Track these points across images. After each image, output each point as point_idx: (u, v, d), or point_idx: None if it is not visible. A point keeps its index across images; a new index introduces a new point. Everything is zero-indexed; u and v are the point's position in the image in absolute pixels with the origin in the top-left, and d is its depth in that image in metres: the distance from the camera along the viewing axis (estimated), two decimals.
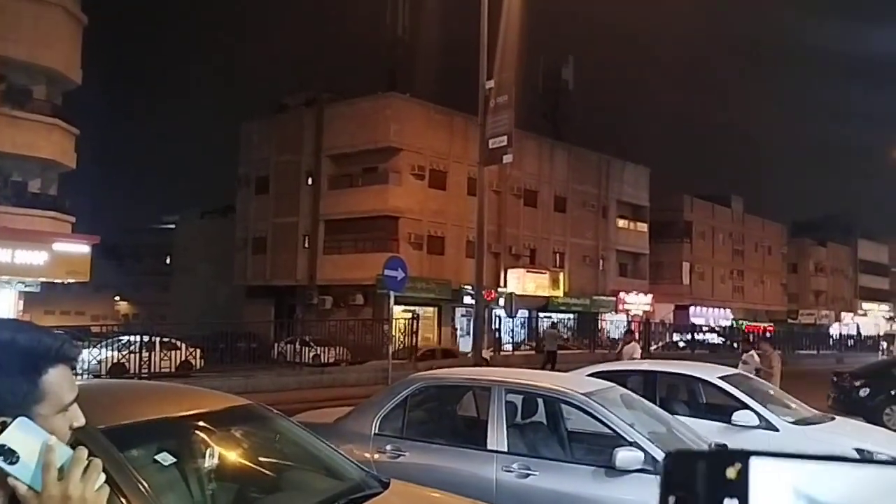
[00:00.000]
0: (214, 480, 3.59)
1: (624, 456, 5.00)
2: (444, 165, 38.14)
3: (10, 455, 1.12)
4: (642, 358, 22.16)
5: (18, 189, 24.54)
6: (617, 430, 5.30)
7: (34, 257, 22.71)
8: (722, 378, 7.83)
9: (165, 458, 3.39)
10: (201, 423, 3.63)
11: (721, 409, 7.52)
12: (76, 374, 1.30)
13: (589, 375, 7.93)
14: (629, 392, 6.53)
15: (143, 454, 3.35)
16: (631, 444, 5.13)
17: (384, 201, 36.08)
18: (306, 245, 38.99)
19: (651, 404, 6.60)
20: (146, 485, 3.04)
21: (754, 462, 0.55)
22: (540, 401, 6.22)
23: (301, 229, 39.50)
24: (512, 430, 5.66)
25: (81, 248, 24.20)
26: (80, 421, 1.26)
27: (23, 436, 1.13)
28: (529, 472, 5.30)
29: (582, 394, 5.64)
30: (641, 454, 5.03)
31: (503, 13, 20.96)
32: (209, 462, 3.57)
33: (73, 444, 1.20)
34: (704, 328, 51.53)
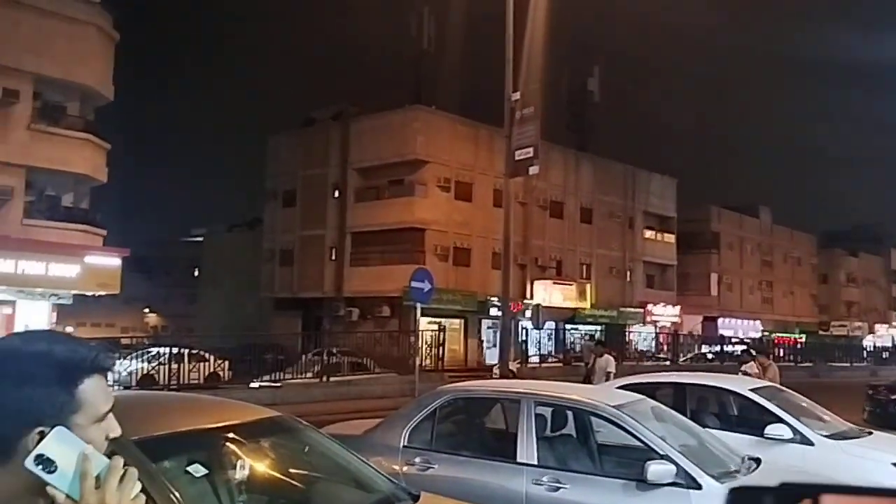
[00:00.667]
0: (245, 492, 3.60)
1: (655, 469, 4.94)
2: (470, 177, 38.18)
3: (48, 464, 1.13)
4: (670, 370, 21.90)
5: (52, 203, 24.96)
6: (648, 443, 5.24)
7: (67, 270, 23.08)
8: (754, 390, 7.69)
9: (197, 470, 3.41)
10: (232, 435, 3.64)
11: (753, 421, 7.37)
12: (108, 386, 1.31)
13: (618, 388, 7.86)
14: (659, 404, 6.46)
15: (175, 465, 3.37)
16: (662, 457, 5.07)
17: (410, 213, 36.16)
18: (333, 257, 39.18)
19: (682, 417, 6.52)
20: (178, 496, 3.05)
21: (826, 499, 0.50)
22: (569, 413, 6.17)
23: (328, 242, 39.71)
24: (542, 443, 5.62)
25: (112, 261, 24.55)
26: (116, 431, 1.27)
27: (60, 445, 1.15)
28: (560, 485, 5.25)
29: (612, 406, 5.59)
30: (673, 467, 4.97)
31: (528, 25, 20.98)
32: (240, 474, 3.59)
33: (109, 455, 1.21)
34: (734, 340, 50.88)
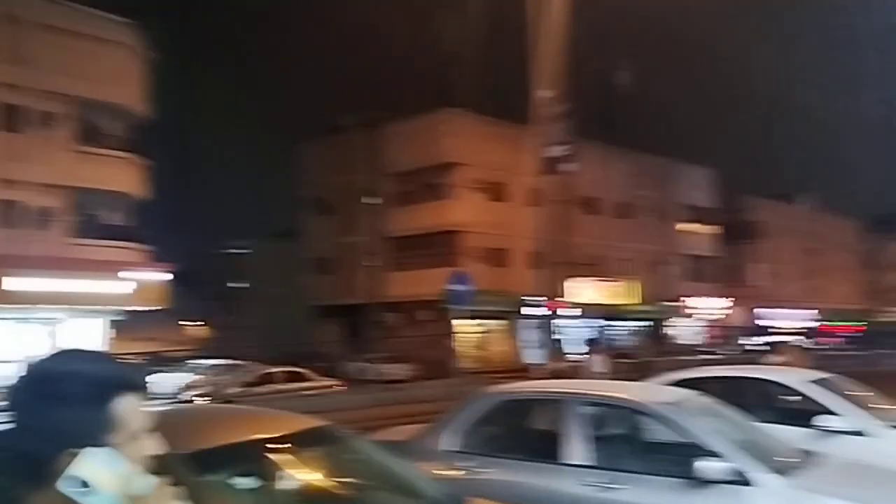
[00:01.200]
0: (295, 503, 3.59)
1: (708, 466, 4.81)
2: (503, 178, 38.07)
3: (83, 486, 1.12)
4: (714, 364, 21.48)
5: (96, 222, 25.50)
6: (699, 439, 5.11)
7: (115, 287, 23.56)
8: (807, 382, 7.49)
9: (245, 483, 3.41)
10: (280, 446, 3.64)
11: (808, 414, 7.16)
12: (153, 400, 1.30)
13: (665, 384, 7.71)
14: (708, 399, 6.31)
15: (224, 479, 3.37)
16: (714, 453, 4.94)
17: (445, 216, 36.19)
18: (371, 264, 39.37)
19: (732, 411, 6.36)
20: None
21: None
22: (617, 412, 6.07)
23: (365, 248, 39.91)
24: (590, 444, 5.52)
25: (158, 276, 25.01)
26: (153, 449, 1.25)
27: (95, 466, 1.13)
28: (610, 485, 5.16)
29: (660, 403, 5.49)
30: (727, 464, 4.84)
31: (555, 22, 20.85)
32: (288, 485, 3.57)
33: (155, 470, 1.19)
34: (779, 330, 50.00)
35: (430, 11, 39.61)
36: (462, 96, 38.32)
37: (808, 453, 5.55)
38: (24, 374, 1.24)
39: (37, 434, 1.17)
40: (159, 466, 1.25)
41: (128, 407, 1.22)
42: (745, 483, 4.79)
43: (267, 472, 3.56)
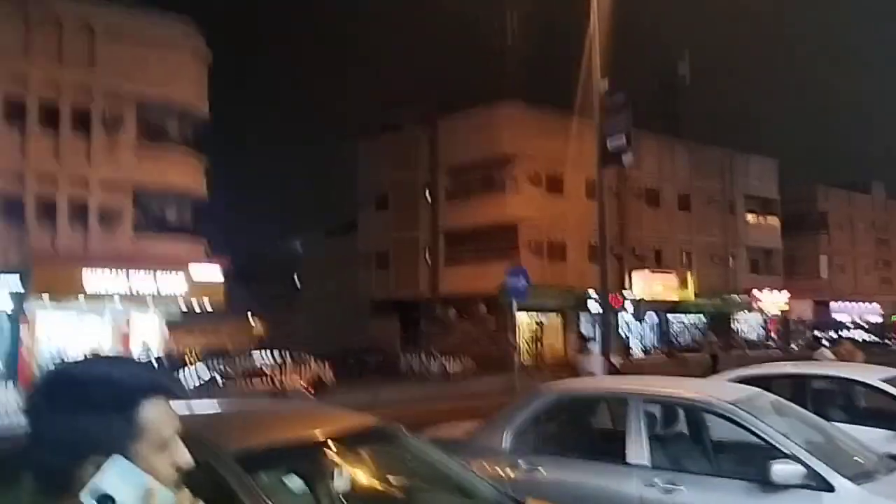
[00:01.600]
0: (345, 503, 3.50)
1: (781, 469, 4.54)
2: (561, 170, 37.56)
3: (106, 500, 1.02)
4: (784, 360, 20.82)
5: (157, 218, 26.12)
6: (769, 440, 4.85)
7: (174, 282, 24.07)
8: (885, 380, 7.08)
9: (295, 482, 3.33)
10: (331, 445, 3.54)
11: (886, 415, 6.78)
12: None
13: (730, 380, 7.42)
14: (779, 398, 6.02)
15: (274, 478, 3.30)
16: (787, 455, 4.67)
17: (502, 210, 35.96)
18: (428, 258, 39.41)
19: (805, 411, 6.06)
20: None
21: None
22: (681, 411, 5.83)
23: (422, 243, 39.97)
24: (653, 443, 5.30)
25: (215, 272, 25.48)
26: (184, 459, 1.14)
27: (119, 478, 1.04)
28: (675, 486, 4.94)
29: (727, 402, 5.23)
30: (801, 467, 4.56)
31: (614, 12, 20.45)
32: (339, 484, 3.48)
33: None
34: (850, 325, 48.40)
35: (485, 3, 39.34)
36: (518, 88, 37.99)
37: (888, 458, 5.22)
38: (44, 379, 1.14)
39: (57, 443, 1.08)
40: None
41: (156, 413, 1.12)
42: (822, 488, 4.51)
43: (315, 472, 3.48)
